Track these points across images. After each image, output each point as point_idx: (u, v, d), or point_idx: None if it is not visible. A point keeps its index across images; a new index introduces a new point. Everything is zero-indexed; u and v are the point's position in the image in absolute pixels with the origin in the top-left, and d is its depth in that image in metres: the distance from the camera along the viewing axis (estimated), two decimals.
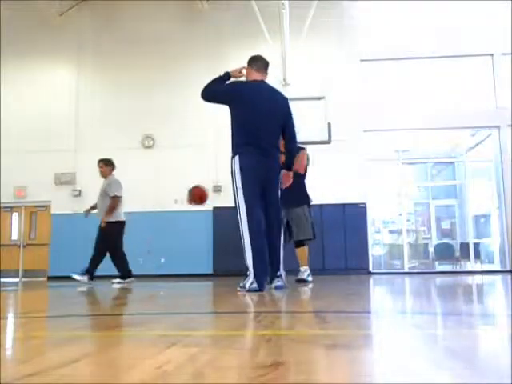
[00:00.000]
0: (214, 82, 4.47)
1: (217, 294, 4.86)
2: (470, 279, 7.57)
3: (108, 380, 1.04)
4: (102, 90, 12.03)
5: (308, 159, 6.10)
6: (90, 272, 6.99)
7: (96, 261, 7.04)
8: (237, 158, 4.24)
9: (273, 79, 4.66)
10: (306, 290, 4.60)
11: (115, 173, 7.36)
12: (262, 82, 4.51)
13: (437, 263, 12.92)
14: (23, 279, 11.59)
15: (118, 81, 11.92)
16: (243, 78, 4.57)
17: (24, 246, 11.94)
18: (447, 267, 12.64)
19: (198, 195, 5.44)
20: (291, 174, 4.62)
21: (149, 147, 11.74)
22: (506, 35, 11.06)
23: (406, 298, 4.05)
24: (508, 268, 10.84)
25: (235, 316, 2.53)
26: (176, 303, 3.58)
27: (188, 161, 11.42)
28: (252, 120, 4.28)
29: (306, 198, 5.97)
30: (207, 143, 11.31)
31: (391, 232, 13.76)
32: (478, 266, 12.01)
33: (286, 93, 4.84)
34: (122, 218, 7.21)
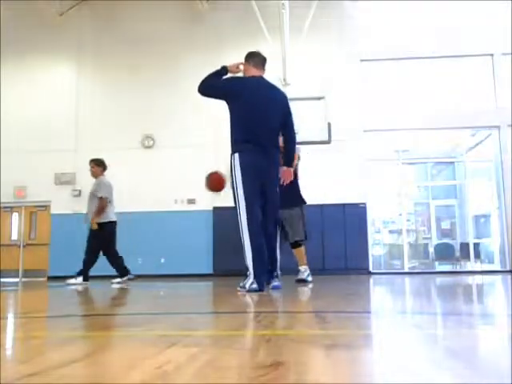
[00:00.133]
0: (211, 76, 4.41)
1: (217, 294, 4.86)
2: (469, 279, 7.57)
3: (108, 380, 1.04)
4: (101, 89, 12.04)
5: (299, 158, 6.02)
6: (84, 273, 6.98)
7: (89, 261, 7.04)
8: (236, 155, 4.21)
9: (273, 79, 4.65)
10: (306, 290, 4.60)
11: (107, 173, 7.33)
12: (261, 77, 4.47)
13: (437, 263, 12.92)
14: (23, 279, 11.59)
15: (118, 81, 11.92)
16: (240, 74, 4.54)
17: (24, 246, 11.95)
18: (447, 267, 12.64)
19: (215, 182, 5.08)
20: (292, 170, 4.59)
21: (149, 147, 11.74)
22: (506, 35, 11.06)
23: (405, 298, 4.05)
24: (508, 268, 10.84)
25: (235, 316, 2.53)
26: (176, 303, 3.58)
27: (188, 161, 11.42)
28: (250, 116, 4.25)
29: (299, 199, 5.91)
30: (207, 143, 11.31)
31: (391, 232, 13.77)
32: (478, 266, 12.02)
33: (286, 93, 4.82)
34: (113, 219, 7.20)
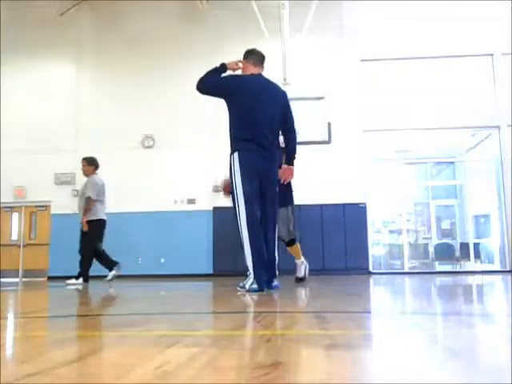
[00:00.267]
0: (209, 73, 4.38)
1: (217, 294, 4.86)
2: (470, 279, 7.57)
3: (108, 380, 1.04)
4: (101, 89, 12.03)
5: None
6: (84, 274, 6.98)
7: (87, 261, 7.04)
8: (236, 154, 4.19)
9: (273, 79, 4.63)
10: (306, 290, 4.60)
11: (100, 172, 7.31)
12: (260, 75, 4.46)
13: (437, 263, 12.92)
14: (23, 279, 11.59)
15: (118, 81, 11.92)
16: (239, 72, 4.52)
17: (24, 246, 11.95)
18: (447, 267, 12.64)
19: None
20: (293, 168, 4.56)
21: (149, 147, 11.74)
22: (506, 35, 11.06)
23: (405, 298, 4.05)
24: (508, 268, 10.84)
25: (235, 316, 2.53)
26: (176, 303, 3.58)
27: (188, 161, 11.42)
28: (250, 114, 4.22)
29: (290, 199, 5.89)
30: (207, 143, 11.31)
31: (391, 232, 13.77)
32: (478, 266, 12.02)
33: (286, 93, 4.80)
34: (102, 217, 7.19)
